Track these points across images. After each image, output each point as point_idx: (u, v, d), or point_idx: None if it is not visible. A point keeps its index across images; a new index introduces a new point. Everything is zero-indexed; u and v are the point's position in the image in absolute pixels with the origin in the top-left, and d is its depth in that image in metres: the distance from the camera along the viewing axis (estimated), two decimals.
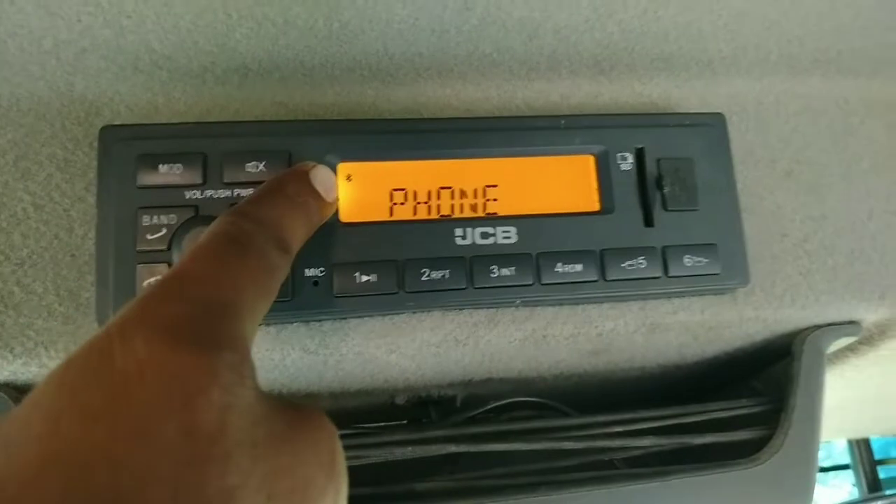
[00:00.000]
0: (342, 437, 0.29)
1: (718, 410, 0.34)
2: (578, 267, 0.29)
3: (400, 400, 0.36)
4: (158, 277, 0.18)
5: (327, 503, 0.17)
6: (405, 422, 0.40)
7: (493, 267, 0.28)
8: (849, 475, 1.16)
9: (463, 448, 0.30)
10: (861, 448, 0.91)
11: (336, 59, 0.30)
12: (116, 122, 0.29)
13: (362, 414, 0.38)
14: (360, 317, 0.28)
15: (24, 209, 0.28)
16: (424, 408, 0.37)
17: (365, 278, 0.27)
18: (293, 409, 0.18)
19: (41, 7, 0.26)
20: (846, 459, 1.12)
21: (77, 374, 0.15)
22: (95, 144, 0.29)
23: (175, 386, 0.15)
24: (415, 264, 0.28)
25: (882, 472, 0.92)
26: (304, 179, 0.24)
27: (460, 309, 0.29)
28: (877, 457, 0.92)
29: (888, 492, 0.92)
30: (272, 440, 0.16)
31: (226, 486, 0.14)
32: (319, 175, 0.25)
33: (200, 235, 0.25)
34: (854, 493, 1.16)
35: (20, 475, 0.13)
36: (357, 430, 0.30)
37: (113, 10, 0.26)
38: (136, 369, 0.15)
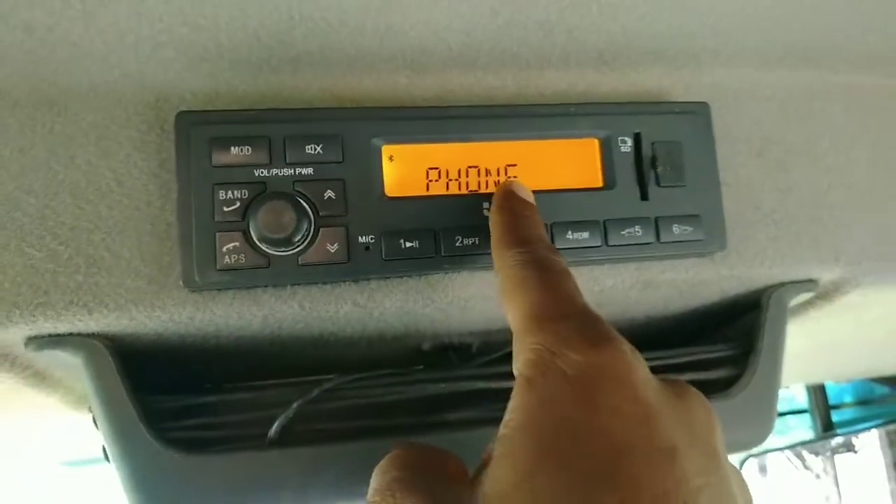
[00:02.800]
0: (383, 377, 0.36)
1: (697, 353, 0.40)
2: (585, 234, 0.34)
3: (426, 346, 0.41)
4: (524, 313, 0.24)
5: (721, 445, 0.23)
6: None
7: None
8: (806, 418, 1.27)
9: (490, 384, 0.36)
10: (817, 394, 1.00)
11: (377, 52, 0.35)
12: (182, 108, 0.33)
13: (390, 360, 0.43)
14: (402, 276, 0.33)
15: (107, 184, 0.32)
16: (445, 354, 0.43)
17: (409, 244, 0.32)
18: (666, 379, 0.23)
19: (132, 9, 0.30)
20: (805, 405, 1.23)
21: (553, 397, 0.21)
22: (166, 127, 0.33)
23: (617, 375, 0.21)
24: (450, 232, 0.33)
25: (836, 416, 1.01)
26: (517, 196, 0.30)
27: (486, 269, 0.34)
28: (831, 402, 1.01)
29: (839, 431, 1.02)
30: (673, 401, 0.22)
31: (668, 438, 0.20)
32: (519, 187, 0.31)
33: (276, 209, 0.30)
34: (811, 435, 1.28)
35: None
36: (396, 371, 0.36)
37: (193, 13, 0.30)
38: (584, 376, 0.21)
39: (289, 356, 0.39)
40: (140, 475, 0.31)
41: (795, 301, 0.42)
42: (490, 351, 0.42)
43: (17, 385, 0.36)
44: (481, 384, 0.36)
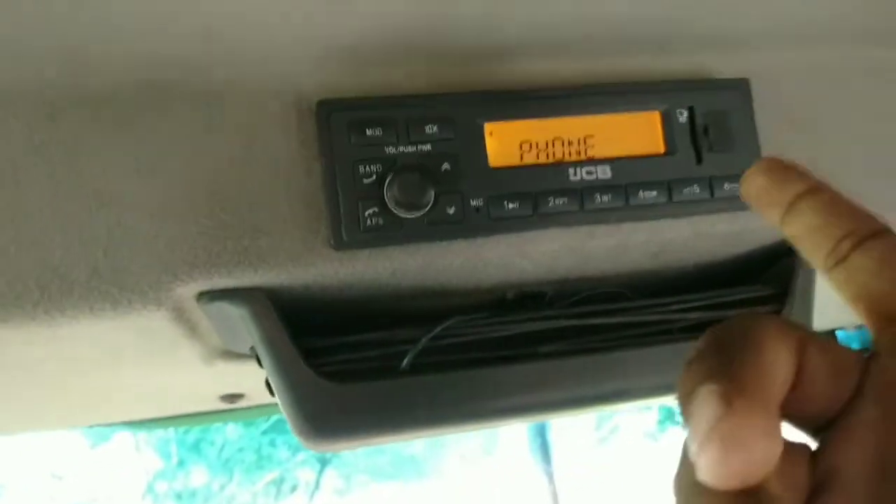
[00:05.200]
0: (488, 317, 0.42)
1: (739, 294, 0.47)
2: (654, 193, 0.41)
3: (510, 295, 0.48)
4: None
5: None
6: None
7: (597, 195, 0.40)
8: None
9: (573, 322, 0.43)
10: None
11: (474, 44, 0.41)
12: (313, 97, 0.40)
13: (482, 308, 0.50)
14: (504, 233, 0.40)
15: (259, 163, 0.39)
16: (521, 303, 0.50)
17: (511, 205, 0.39)
18: None
19: (288, 19, 0.36)
20: None
21: None
22: (301, 113, 0.40)
23: None
24: (543, 195, 0.40)
25: None
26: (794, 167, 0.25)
27: (570, 226, 0.41)
28: None
29: None
30: None
31: None
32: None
33: (407, 180, 0.37)
34: None
35: None
36: (497, 312, 0.43)
37: (344, 21, 0.37)
38: None
39: (402, 306, 0.46)
40: (301, 402, 0.39)
41: None
42: (563, 298, 0.49)
43: (177, 336, 0.43)
44: (565, 322, 0.43)
